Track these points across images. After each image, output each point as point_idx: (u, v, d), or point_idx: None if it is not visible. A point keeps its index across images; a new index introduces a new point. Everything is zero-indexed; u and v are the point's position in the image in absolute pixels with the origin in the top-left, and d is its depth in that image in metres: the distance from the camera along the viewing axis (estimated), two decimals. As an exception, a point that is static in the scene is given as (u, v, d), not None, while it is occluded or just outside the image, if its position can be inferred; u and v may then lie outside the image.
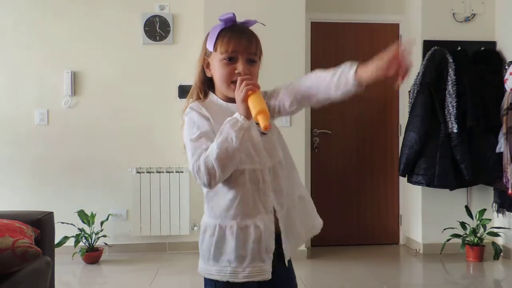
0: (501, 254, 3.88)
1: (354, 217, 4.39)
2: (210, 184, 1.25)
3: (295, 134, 3.91)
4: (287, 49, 3.87)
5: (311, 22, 4.29)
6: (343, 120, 4.39)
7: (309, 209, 1.46)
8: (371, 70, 1.36)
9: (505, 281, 3.53)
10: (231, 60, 1.31)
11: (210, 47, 1.34)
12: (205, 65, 1.39)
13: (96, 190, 4.12)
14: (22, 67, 4.09)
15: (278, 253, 1.34)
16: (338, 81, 1.39)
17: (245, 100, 1.23)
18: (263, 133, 1.31)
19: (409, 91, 4.14)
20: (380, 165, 4.44)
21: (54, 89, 4.11)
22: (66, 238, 3.72)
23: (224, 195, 1.31)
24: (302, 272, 3.57)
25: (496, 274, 3.69)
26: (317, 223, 1.50)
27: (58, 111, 4.11)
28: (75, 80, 4.12)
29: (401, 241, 4.45)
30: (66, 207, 3.95)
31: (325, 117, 4.35)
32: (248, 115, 1.22)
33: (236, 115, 1.23)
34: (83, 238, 3.83)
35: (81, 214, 3.87)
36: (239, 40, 1.31)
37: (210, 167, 1.22)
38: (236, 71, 1.31)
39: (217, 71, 1.34)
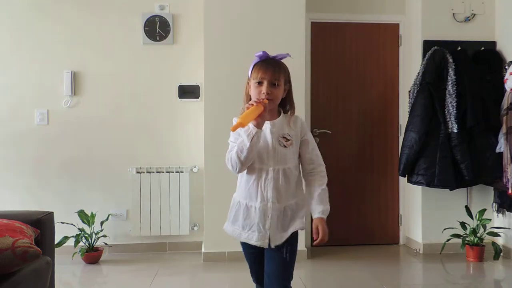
0: (501, 254, 3.88)
1: (354, 217, 4.39)
2: (236, 170, 1.82)
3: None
4: (287, 49, 3.83)
5: (311, 22, 4.30)
6: (343, 120, 4.39)
7: (300, 213, 1.92)
8: (314, 225, 1.92)
9: (505, 281, 3.53)
10: (260, 84, 1.82)
11: (249, 74, 1.87)
12: (248, 87, 1.89)
13: (96, 190, 4.12)
14: (22, 67, 4.09)
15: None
16: (309, 207, 1.95)
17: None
18: (285, 146, 1.84)
19: (409, 91, 4.14)
20: (380, 165, 4.44)
21: (54, 89, 4.11)
22: (66, 238, 3.72)
23: (243, 182, 1.90)
24: (302, 272, 3.57)
25: (496, 274, 3.69)
26: (299, 222, 1.92)
27: (58, 111, 4.11)
28: (75, 80, 4.13)
29: (401, 241, 4.45)
30: (66, 207, 3.95)
31: (325, 117, 4.35)
32: (258, 124, 1.74)
33: (250, 124, 1.75)
34: (83, 238, 3.83)
35: (81, 214, 3.87)
36: (265, 70, 1.81)
37: (232, 159, 1.80)
38: (262, 92, 1.81)
39: (252, 91, 1.85)
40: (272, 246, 1.85)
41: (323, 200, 1.92)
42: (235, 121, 1.77)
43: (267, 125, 1.83)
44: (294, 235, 1.91)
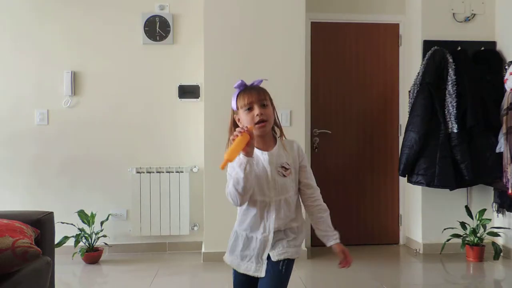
0: (501, 254, 3.88)
1: (354, 217, 4.39)
2: (237, 203, 1.77)
3: (295, 134, 3.90)
4: (287, 49, 3.87)
5: (311, 22, 4.30)
6: (343, 120, 4.39)
7: (299, 238, 1.92)
8: (337, 253, 2.06)
9: (505, 281, 3.53)
10: (249, 109, 1.80)
11: (234, 107, 1.84)
12: (236, 120, 1.86)
13: (96, 190, 4.12)
14: (22, 67, 4.09)
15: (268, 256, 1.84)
16: (319, 234, 1.99)
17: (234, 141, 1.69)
18: (284, 176, 1.82)
19: (409, 91, 4.14)
20: (380, 165, 4.44)
21: (54, 89, 4.11)
22: (66, 238, 3.72)
23: (244, 215, 1.87)
24: (302, 272, 3.57)
25: (496, 274, 3.69)
26: (295, 251, 1.90)
27: (58, 111, 4.11)
28: (75, 80, 4.13)
29: (401, 241, 4.45)
30: (66, 207, 3.95)
31: (325, 117, 4.35)
32: (247, 153, 1.69)
33: (241, 155, 1.71)
34: (83, 238, 3.83)
35: (81, 214, 3.87)
36: (250, 94, 1.81)
37: (231, 193, 1.76)
38: (256, 114, 1.78)
39: (244, 120, 1.81)
40: (274, 259, 1.82)
41: (331, 225, 1.99)
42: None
43: (265, 157, 1.81)
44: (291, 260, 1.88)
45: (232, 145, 1.66)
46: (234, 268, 1.91)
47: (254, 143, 1.73)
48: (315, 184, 1.94)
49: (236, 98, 1.84)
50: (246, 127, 1.71)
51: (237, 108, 1.83)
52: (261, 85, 1.87)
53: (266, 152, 1.82)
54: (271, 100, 1.86)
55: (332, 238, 2.00)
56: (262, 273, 1.81)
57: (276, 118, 1.89)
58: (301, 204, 1.94)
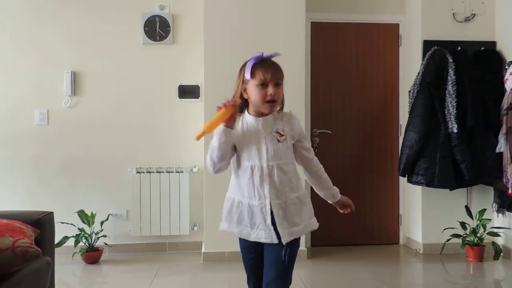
0: (501, 254, 3.88)
1: (354, 217, 4.37)
2: (212, 169, 1.86)
3: (295, 134, 3.91)
4: (287, 49, 3.87)
5: (311, 22, 4.30)
6: (343, 120, 4.39)
7: (305, 209, 1.91)
8: (345, 202, 2.22)
9: (505, 281, 3.53)
10: (263, 85, 1.79)
11: (248, 76, 1.81)
12: (242, 89, 1.84)
13: (96, 190, 4.12)
14: (22, 67, 4.09)
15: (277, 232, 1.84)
16: (323, 194, 2.09)
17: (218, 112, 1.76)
18: (278, 141, 1.82)
19: (409, 91, 4.14)
20: (380, 165, 4.44)
21: (54, 89, 4.11)
22: (66, 238, 3.72)
23: (234, 180, 1.90)
24: (302, 272, 3.57)
25: (496, 274, 3.69)
26: (313, 222, 1.96)
27: (58, 111, 4.11)
28: (75, 80, 4.13)
29: (401, 241, 4.45)
30: (66, 207, 3.95)
31: (325, 117, 4.35)
32: (227, 125, 1.77)
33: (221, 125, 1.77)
34: (83, 238, 3.83)
35: (81, 214, 3.87)
36: (268, 71, 1.80)
37: (207, 159, 1.86)
38: (268, 93, 1.78)
39: (254, 94, 1.81)
40: (284, 242, 1.82)
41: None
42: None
43: (259, 122, 1.83)
44: (297, 240, 1.89)
45: (214, 117, 1.70)
46: (245, 237, 1.89)
47: (236, 117, 1.80)
48: (314, 155, 1.97)
49: (252, 69, 1.81)
50: (234, 100, 1.77)
51: (252, 78, 1.81)
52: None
53: (260, 118, 1.83)
54: (283, 78, 1.88)
55: (337, 192, 2.10)
56: (274, 239, 1.82)
57: (282, 96, 1.90)
58: (299, 176, 1.93)
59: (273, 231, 1.82)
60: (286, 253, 1.84)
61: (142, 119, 4.17)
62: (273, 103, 1.80)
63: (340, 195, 2.12)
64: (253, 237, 1.86)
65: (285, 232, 1.82)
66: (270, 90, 1.78)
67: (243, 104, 1.88)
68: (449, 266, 3.78)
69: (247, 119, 1.86)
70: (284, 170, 1.83)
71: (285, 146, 1.84)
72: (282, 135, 1.82)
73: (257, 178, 1.81)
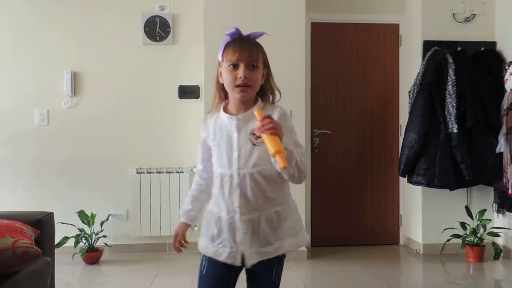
0: (501, 254, 3.88)
1: (354, 218, 4.39)
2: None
3: (295, 134, 3.90)
4: (287, 49, 3.87)
5: (311, 22, 4.29)
6: (343, 120, 4.39)
7: (285, 226, 1.59)
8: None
9: (505, 281, 3.53)
10: (234, 67, 1.53)
11: (220, 58, 1.58)
12: (219, 74, 1.60)
13: (96, 190, 4.12)
14: (22, 67, 4.09)
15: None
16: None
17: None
18: (254, 144, 1.52)
19: (409, 91, 4.14)
20: (380, 165, 4.44)
21: (54, 89, 4.11)
22: (66, 238, 3.72)
23: (214, 190, 1.64)
24: (302, 272, 3.57)
25: (496, 274, 3.69)
26: (295, 242, 1.62)
27: (58, 111, 4.11)
28: (75, 80, 4.13)
29: (401, 241, 4.45)
30: (66, 207, 3.95)
31: (325, 117, 4.35)
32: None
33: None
34: (83, 238, 3.83)
35: (81, 214, 3.87)
36: (240, 50, 1.52)
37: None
38: (238, 76, 1.51)
39: (225, 77, 1.56)
40: (249, 265, 1.55)
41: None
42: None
43: (232, 120, 1.55)
44: (283, 255, 1.62)
45: (271, 138, 1.37)
46: (203, 252, 1.64)
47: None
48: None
49: (224, 48, 1.55)
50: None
51: (222, 60, 1.56)
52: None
53: (234, 117, 1.56)
54: (265, 60, 1.60)
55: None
56: (237, 261, 1.55)
57: (271, 82, 1.64)
58: (287, 185, 1.61)
59: (239, 250, 1.55)
60: (277, 272, 1.61)
61: (142, 119, 4.17)
62: (244, 88, 1.51)
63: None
64: (211, 253, 1.61)
65: (253, 252, 1.55)
66: (241, 72, 1.50)
67: (223, 91, 1.62)
68: (449, 266, 3.78)
69: (221, 117, 1.60)
70: (259, 180, 1.53)
71: (262, 150, 1.48)
72: (259, 137, 1.45)
73: (226, 189, 1.55)
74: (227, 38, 1.56)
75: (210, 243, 1.61)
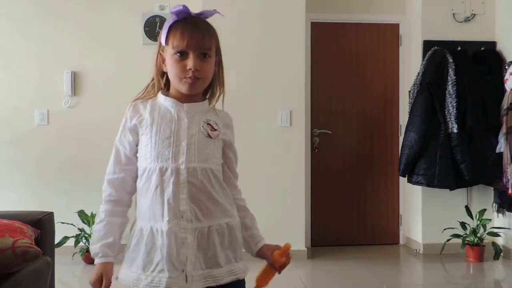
0: (501, 254, 3.88)
1: (354, 217, 4.39)
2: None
3: (295, 134, 3.91)
4: (287, 49, 3.87)
5: (311, 22, 4.29)
6: (343, 120, 4.39)
7: (234, 244, 1.30)
8: (267, 255, 1.36)
9: (505, 281, 3.53)
10: (182, 55, 1.26)
11: (163, 41, 1.31)
12: (160, 60, 1.34)
13: (96, 190, 4.06)
14: (22, 67, 4.08)
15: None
16: (245, 235, 1.38)
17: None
18: (209, 136, 1.28)
19: (409, 91, 4.14)
20: (380, 165, 4.44)
21: (54, 89, 4.10)
22: (66, 238, 3.72)
23: (141, 196, 1.33)
24: (302, 272, 3.57)
25: (496, 274, 3.69)
26: (239, 268, 1.31)
27: (58, 111, 4.11)
28: (75, 80, 4.13)
29: (401, 241, 4.45)
30: (66, 207, 3.94)
31: (325, 117, 4.35)
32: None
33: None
34: (83, 238, 3.82)
35: (81, 214, 3.87)
36: (190, 34, 1.25)
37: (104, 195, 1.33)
38: (188, 67, 1.25)
39: (170, 67, 1.29)
40: (189, 281, 1.22)
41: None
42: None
43: (181, 108, 1.29)
44: (241, 283, 1.33)
45: (267, 273, 1.31)
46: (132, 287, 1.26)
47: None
48: (237, 180, 1.42)
49: (169, 30, 1.28)
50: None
51: (167, 44, 1.29)
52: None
53: (184, 104, 1.30)
54: (217, 47, 1.32)
55: (261, 238, 1.39)
56: (178, 284, 1.22)
57: (222, 74, 1.35)
58: (230, 195, 1.35)
59: (185, 274, 1.22)
60: None
61: (142, 119, 4.16)
62: (195, 81, 1.25)
63: (263, 243, 1.37)
64: (143, 286, 1.24)
65: (197, 275, 1.23)
66: (190, 62, 1.24)
67: (164, 79, 1.36)
68: (449, 266, 3.78)
69: (161, 102, 1.32)
70: (212, 179, 1.27)
71: (217, 147, 1.30)
72: (215, 129, 1.28)
73: (169, 188, 1.23)
74: (173, 17, 1.29)
75: (142, 274, 1.24)
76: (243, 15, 3.85)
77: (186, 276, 1.22)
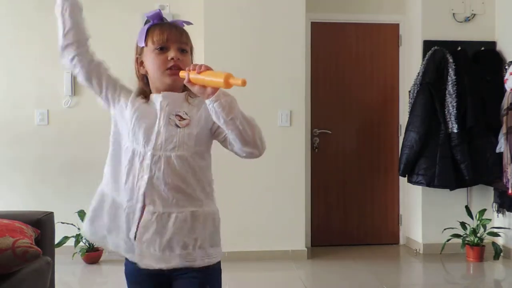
0: (501, 254, 3.88)
1: (354, 217, 4.39)
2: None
3: (295, 134, 3.91)
4: (287, 49, 3.87)
5: (311, 22, 4.29)
6: (343, 120, 4.39)
7: (197, 234, 1.34)
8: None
9: (505, 281, 3.53)
10: (162, 49, 1.37)
11: (141, 44, 1.44)
12: (138, 64, 1.48)
13: (96, 190, 4.11)
14: (22, 67, 4.09)
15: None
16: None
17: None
18: (177, 126, 1.34)
19: (409, 91, 4.14)
20: (380, 165, 4.44)
21: (54, 89, 4.11)
22: (66, 238, 3.72)
23: (109, 164, 1.45)
24: (302, 272, 3.57)
25: (496, 274, 3.69)
26: (210, 253, 1.36)
27: (58, 111, 4.11)
28: (75, 80, 4.12)
29: (401, 241, 4.45)
30: (66, 207, 3.94)
31: (325, 117, 4.35)
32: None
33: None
34: (83, 238, 3.82)
35: (81, 214, 3.86)
36: (169, 30, 1.38)
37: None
38: (169, 58, 1.35)
39: (150, 63, 1.40)
40: (142, 266, 1.32)
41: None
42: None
43: (157, 97, 1.39)
44: (213, 270, 1.38)
45: (210, 72, 1.23)
46: (97, 243, 1.47)
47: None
48: None
49: (147, 32, 1.41)
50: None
51: (146, 45, 1.42)
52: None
53: (159, 94, 1.39)
54: (192, 50, 1.44)
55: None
56: (135, 258, 1.33)
57: None
58: (212, 186, 1.41)
59: (134, 247, 1.33)
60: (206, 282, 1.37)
61: (142, 119, 4.16)
62: (177, 71, 1.34)
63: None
64: (110, 244, 1.40)
65: (152, 258, 1.31)
66: (172, 53, 1.35)
67: (144, 85, 1.49)
68: (449, 266, 3.78)
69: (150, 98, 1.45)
70: (176, 167, 1.32)
71: (186, 134, 1.34)
72: (184, 119, 1.34)
73: (135, 169, 1.34)
74: (148, 23, 1.44)
75: (108, 234, 1.39)
76: (243, 15, 3.85)
77: (139, 251, 1.32)
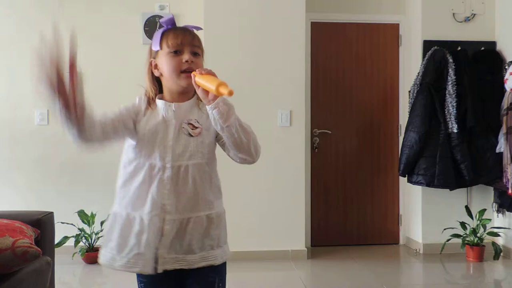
0: (501, 254, 3.88)
1: (354, 217, 4.39)
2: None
3: (295, 134, 3.91)
4: (287, 49, 3.87)
5: (311, 22, 4.29)
6: (343, 120, 4.39)
7: (212, 235, 1.45)
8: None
9: (505, 281, 3.53)
10: (176, 52, 1.43)
11: (155, 47, 1.46)
12: (152, 67, 1.50)
13: (96, 190, 4.12)
14: (22, 67, 4.08)
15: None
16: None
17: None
18: (190, 135, 1.41)
19: (409, 91, 4.14)
20: (380, 165, 4.44)
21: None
22: (66, 238, 3.72)
23: (125, 185, 1.51)
24: (302, 272, 3.57)
25: (496, 274, 3.69)
26: (219, 253, 1.49)
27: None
28: (75, 80, 4.12)
29: (401, 241, 4.45)
30: (66, 207, 3.95)
31: (325, 117, 4.35)
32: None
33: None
34: (83, 238, 3.82)
35: (81, 214, 3.87)
36: (183, 35, 1.44)
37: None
38: (184, 60, 1.41)
39: (165, 65, 1.44)
40: (160, 270, 1.40)
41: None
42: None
43: (169, 107, 1.43)
44: (223, 266, 1.53)
45: (205, 77, 1.30)
46: (108, 266, 1.45)
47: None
48: None
49: (161, 36, 1.45)
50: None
51: (161, 48, 1.45)
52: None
53: (172, 104, 1.44)
54: (203, 51, 1.53)
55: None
56: (150, 269, 1.41)
57: None
58: (219, 188, 1.49)
59: (154, 256, 1.39)
60: (220, 285, 1.49)
61: (142, 119, 4.16)
62: (191, 74, 1.37)
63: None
64: (118, 266, 1.44)
65: (170, 258, 1.39)
66: (186, 56, 1.42)
67: (157, 86, 1.53)
68: (449, 266, 3.78)
69: (156, 104, 1.49)
70: (194, 175, 1.40)
71: (200, 143, 1.42)
72: (196, 127, 1.41)
73: (154, 183, 1.39)
74: (162, 28, 1.48)
75: (117, 255, 1.42)
76: (243, 14, 3.85)
77: (157, 258, 1.38)
